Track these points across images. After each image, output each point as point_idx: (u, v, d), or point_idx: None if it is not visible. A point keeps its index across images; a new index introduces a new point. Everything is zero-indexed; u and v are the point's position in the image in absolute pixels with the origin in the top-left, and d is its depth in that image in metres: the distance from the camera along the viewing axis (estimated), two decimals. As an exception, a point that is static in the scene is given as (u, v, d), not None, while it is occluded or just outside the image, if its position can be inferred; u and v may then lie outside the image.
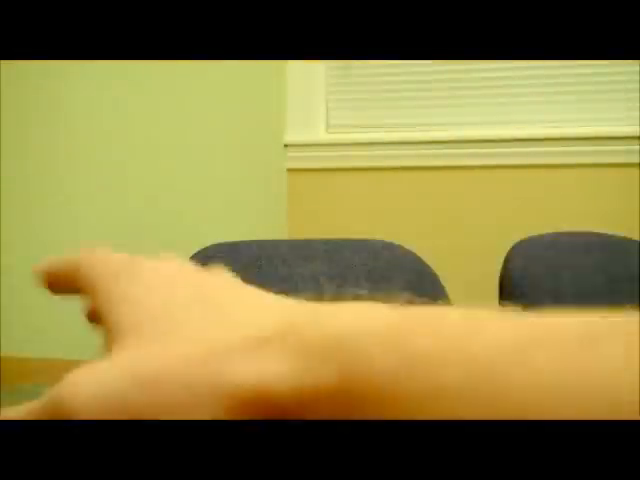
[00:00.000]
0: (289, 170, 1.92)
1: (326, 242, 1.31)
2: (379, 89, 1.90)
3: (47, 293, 0.23)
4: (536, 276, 1.37)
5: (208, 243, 1.16)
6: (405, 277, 1.30)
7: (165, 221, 1.27)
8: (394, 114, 1.89)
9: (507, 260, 1.40)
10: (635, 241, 1.49)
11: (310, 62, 1.90)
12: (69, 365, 0.21)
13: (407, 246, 1.36)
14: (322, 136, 1.92)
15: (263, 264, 1.16)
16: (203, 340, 0.16)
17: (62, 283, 0.22)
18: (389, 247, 1.34)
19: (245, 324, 0.17)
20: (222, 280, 0.20)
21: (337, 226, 1.93)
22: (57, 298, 0.24)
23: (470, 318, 0.15)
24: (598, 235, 1.50)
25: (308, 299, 0.24)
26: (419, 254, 1.35)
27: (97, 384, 0.16)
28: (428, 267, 1.33)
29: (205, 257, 1.13)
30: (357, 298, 0.24)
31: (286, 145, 1.92)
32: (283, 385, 0.16)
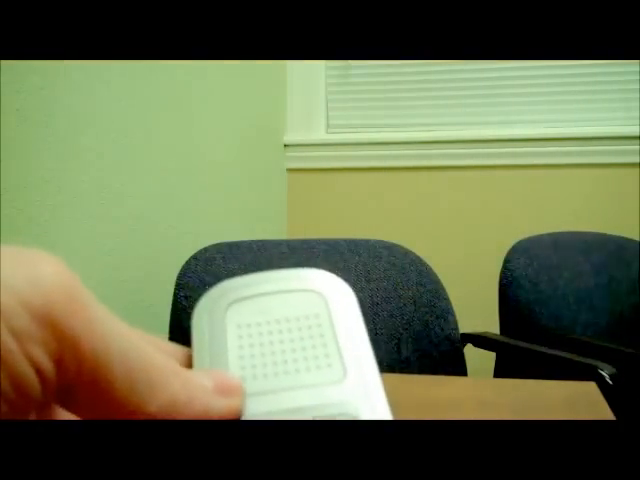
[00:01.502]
0: (289, 170, 1.92)
1: (326, 242, 1.31)
2: (379, 89, 1.90)
3: None
4: (536, 276, 1.37)
5: (208, 243, 1.16)
6: (405, 277, 1.30)
7: (165, 221, 1.27)
8: (394, 114, 1.89)
9: (507, 260, 1.40)
10: (635, 241, 1.49)
11: (310, 62, 1.90)
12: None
13: (407, 246, 1.36)
14: (322, 136, 1.92)
15: (263, 264, 1.16)
16: None
17: None
18: (389, 247, 1.34)
19: None
20: None
21: (337, 226, 1.93)
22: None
23: None
24: (598, 235, 1.50)
25: None
26: (419, 254, 1.35)
27: None
28: (428, 267, 1.33)
29: (205, 257, 1.13)
30: None
31: (286, 145, 1.92)
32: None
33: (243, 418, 0.21)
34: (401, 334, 1.26)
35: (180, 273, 1.10)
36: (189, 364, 0.23)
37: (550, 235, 1.46)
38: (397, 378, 0.68)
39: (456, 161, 1.83)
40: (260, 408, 0.21)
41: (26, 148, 0.90)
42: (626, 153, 1.73)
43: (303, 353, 0.23)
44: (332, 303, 0.25)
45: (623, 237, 1.52)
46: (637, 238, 1.51)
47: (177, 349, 0.24)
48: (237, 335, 0.23)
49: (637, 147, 1.71)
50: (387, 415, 0.21)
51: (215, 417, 0.20)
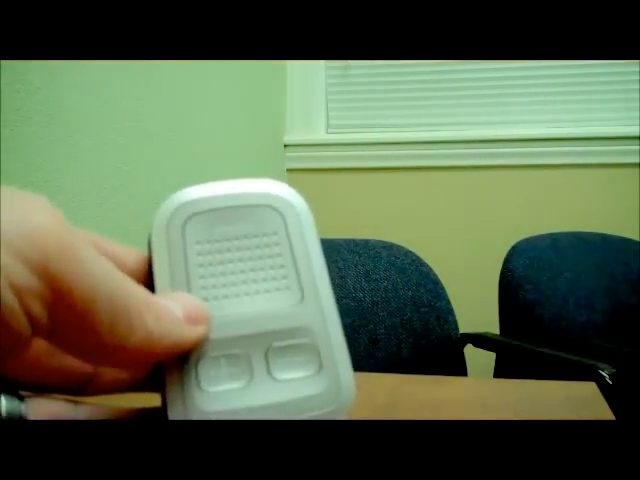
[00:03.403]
0: (289, 170, 1.92)
1: (326, 242, 1.31)
2: (379, 89, 1.90)
3: None
4: (536, 276, 1.37)
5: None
6: (405, 277, 1.30)
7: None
8: (394, 114, 1.89)
9: (507, 260, 1.40)
10: (635, 241, 1.49)
11: (310, 62, 1.90)
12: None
13: (407, 246, 1.36)
14: (322, 136, 1.92)
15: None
16: None
17: None
18: (389, 247, 1.34)
19: None
20: None
21: (337, 226, 1.93)
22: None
23: None
24: (598, 235, 1.50)
25: None
26: (419, 254, 1.34)
27: None
28: (428, 267, 1.33)
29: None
30: None
31: (286, 145, 1.92)
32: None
33: (206, 343, 0.21)
34: (401, 334, 1.26)
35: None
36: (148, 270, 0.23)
37: (550, 235, 1.46)
38: (397, 378, 0.68)
39: (456, 161, 1.83)
40: (223, 333, 0.22)
41: (26, 148, 0.90)
42: (626, 153, 1.73)
43: (263, 274, 0.23)
44: (290, 221, 0.24)
45: (623, 237, 1.52)
46: (637, 238, 1.51)
47: (138, 255, 0.24)
48: (197, 252, 0.23)
49: (637, 147, 1.71)
50: (341, 341, 0.22)
51: (185, 346, 0.21)
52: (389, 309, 1.27)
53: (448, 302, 1.30)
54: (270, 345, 0.22)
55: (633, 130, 1.71)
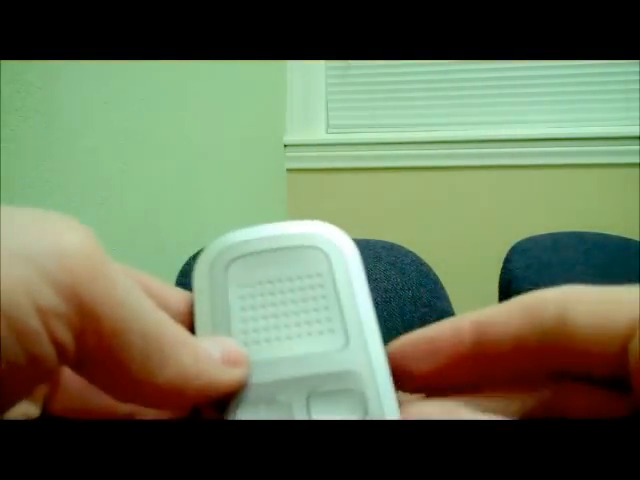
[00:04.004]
0: (289, 170, 1.92)
1: (326, 242, 1.30)
2: (379, 89, 1.90)
3: None
4: (536, 276, 1.37)
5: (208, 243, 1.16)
6: (405, 277, 1.30)
7: (165, 221, 1.27)
8: (394, 114, 1.89)
9: (507, 260, 1.39)
10: (635, 241, 1.49)
11: (310, 62, 1.90)
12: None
13: (407, 246, 1.36)
14: (322, 136, 1.91)
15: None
16: None
17: None
18: (389, 247, 1.34)
19: None
20: None
21: (337, 226, 1.92)
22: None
23: None
24: (598, 235, 1.50)
25: None
26: (419, 254, 1.34)
27: None
28: (428, 267, 1.33)
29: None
30: None
31: (286, 145, 1.92)
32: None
33: (246, 388, 0.21)
34: (401, 334, 1.25)
35: (180, 273, 1.10)
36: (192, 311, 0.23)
37: (550, 235, 1.46)
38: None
39: (456, 161, 1.83)
40: (263, 378, 0.21)
41: (26, 148, 0.90)
42: (626, 153, 1.73)
43: (306, 316, 0.22)
44: (335, 262, 0.24)
45: (623, 237, 1.52)
46: (637, 238, 1.51)
47: (183, 296, 0.24)
48: (239, 296, 0.23)
49: (637, 147, 1.71)
50: (389, 387, 0.21)
51: (221, 389, 0.20)
52: (389, 309, 1.27)
53: (448, 302, 1.30)
54: (312, 391, 0.21)
55: (633, 130, 1.71)
